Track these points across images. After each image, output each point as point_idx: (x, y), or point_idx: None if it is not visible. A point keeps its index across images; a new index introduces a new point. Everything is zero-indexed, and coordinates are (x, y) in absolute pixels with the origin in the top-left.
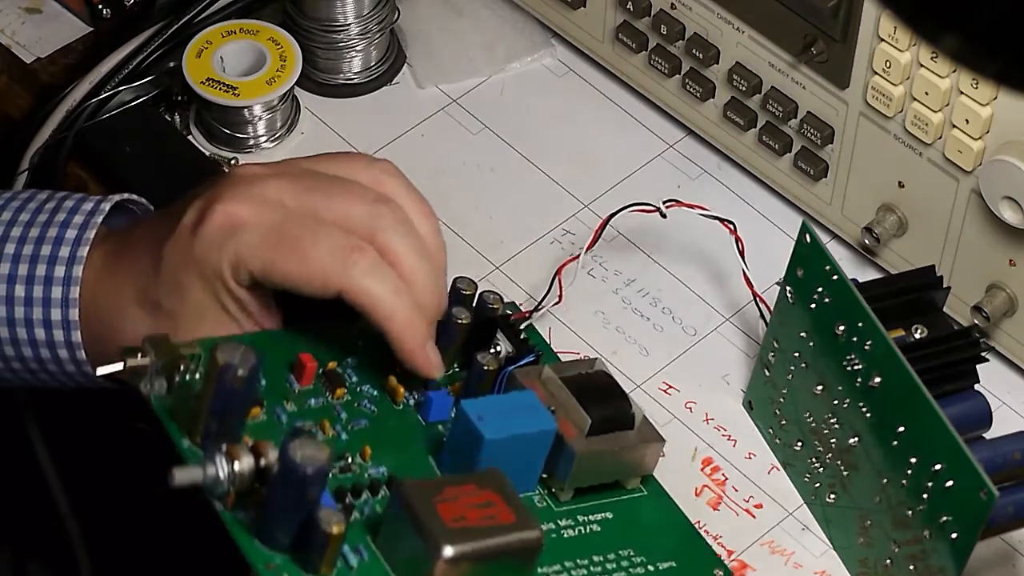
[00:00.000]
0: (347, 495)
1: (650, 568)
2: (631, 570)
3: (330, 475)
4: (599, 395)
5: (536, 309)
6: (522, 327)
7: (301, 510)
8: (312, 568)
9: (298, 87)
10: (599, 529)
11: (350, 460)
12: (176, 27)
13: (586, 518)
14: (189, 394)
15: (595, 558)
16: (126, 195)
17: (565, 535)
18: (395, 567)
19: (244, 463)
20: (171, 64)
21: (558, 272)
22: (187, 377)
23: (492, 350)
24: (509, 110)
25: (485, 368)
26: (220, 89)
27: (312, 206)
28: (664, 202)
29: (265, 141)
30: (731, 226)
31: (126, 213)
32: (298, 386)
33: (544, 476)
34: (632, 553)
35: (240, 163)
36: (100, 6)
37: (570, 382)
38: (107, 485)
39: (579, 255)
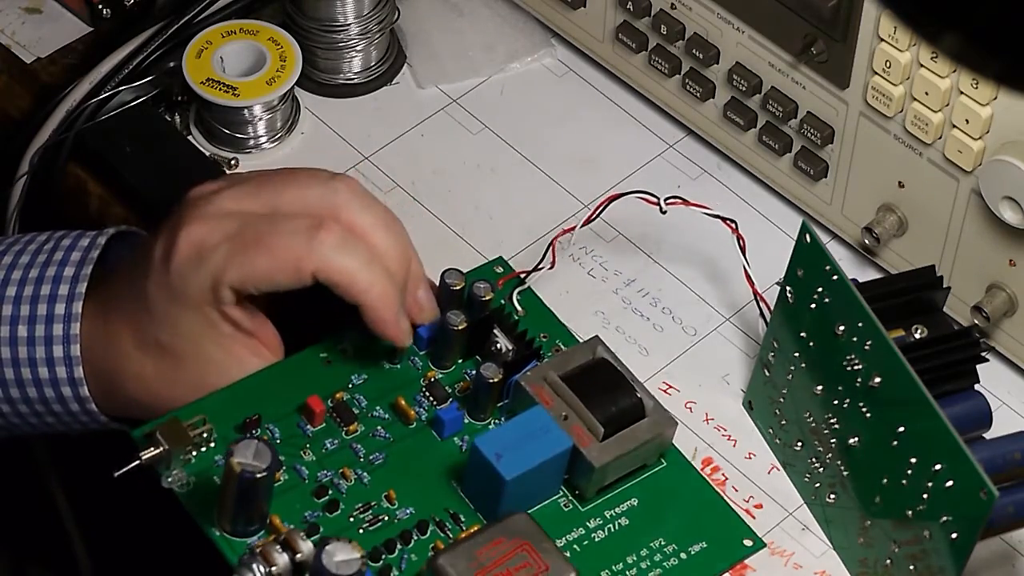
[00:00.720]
0: (382, 554)
1: (683, 556)
2: (665, 563)
3: (362, 530)
4: (606, 391)
5: (529, 273)
6: (518, 292)
7: None
8: None
9: (298, 87)
10: (627, 522)
11: (376, 507)
12: (176, 27)
13: (613, 512)
14: (209, 477)
15: (629, 559)
16: (123, 227)
17: (596, 538)
18: None
19: (280, 562)
20: (171, 64)
21: (553, 241)
22: (205, 448)
23: (493, 348)
24: (509, 110)
25: (491, 381)
26: (220, 89)
27: (269, 203)
28: (666, 199)
29: (265, 141)
30: (733, 225)
31: (124, 243)
32: (311, 428)
33: (567, 477)
34: (663, 543)
35: (239, 163)
36: (100, 6)
37: (574, 381)
38: (107, 485)
39: (575, 226)
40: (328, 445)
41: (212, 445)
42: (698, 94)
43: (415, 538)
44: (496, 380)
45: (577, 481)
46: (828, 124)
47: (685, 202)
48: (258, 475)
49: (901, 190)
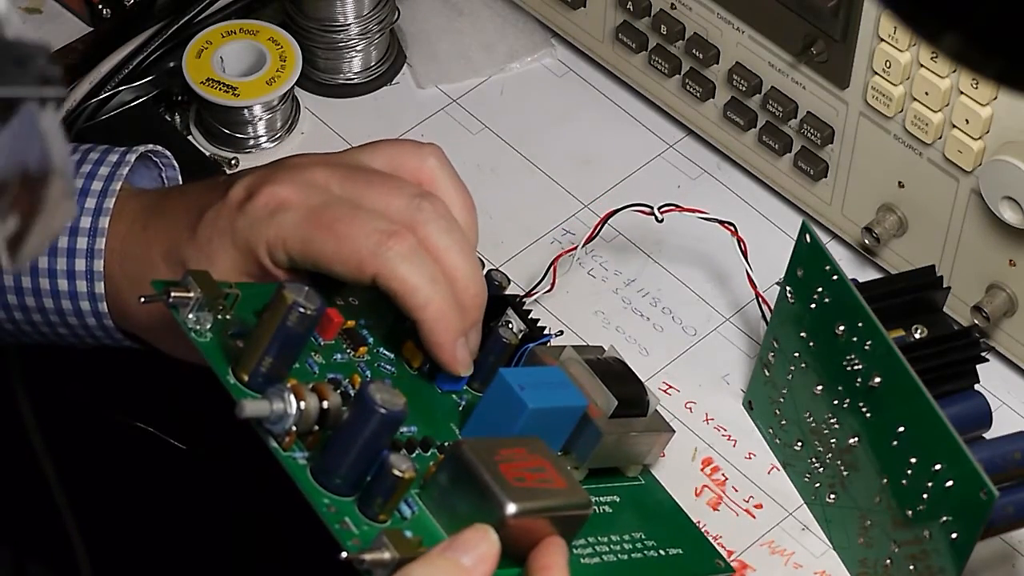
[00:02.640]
0: None
1: (660, 552)
2: (645, 552)
3: None
4: (617, 379)
5: (528, 294)
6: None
7: (371, 453)
8: (372, 513)
9: (298, 87)
10: (611, 511)
11: None
12: (176, 27)
13: (598, 499)
14: (225, 332)
15: (613, 537)
16: (151, 146)
17: None
18: (447, 524)
19: (310, 402)
20: (171, 64)
21: (554, 261)
22: (224, 316)
23: (505, 324)
24: (509, 110)
25: (506, 342)
26: (220, 89)
27: (355, 194)
28: (661, 207)
29: (265, 141)
30: (732, 227)
31: (150, 165)
32: (322, 340)
33: (560, 453)
34: (643, 536)
35: (239, 163)
36: (100, 6)
37: (590, 364)
38: (107, 485)
39: (577, 246)
40: (338, 357)
41: (230, 317)
42: (698, 94)
43: (416, 452)
44: (512, 342)
45: (578, 447)
46: (828, 124)
47: (679, 208)
48: (309, 312)
49: (901, 190)
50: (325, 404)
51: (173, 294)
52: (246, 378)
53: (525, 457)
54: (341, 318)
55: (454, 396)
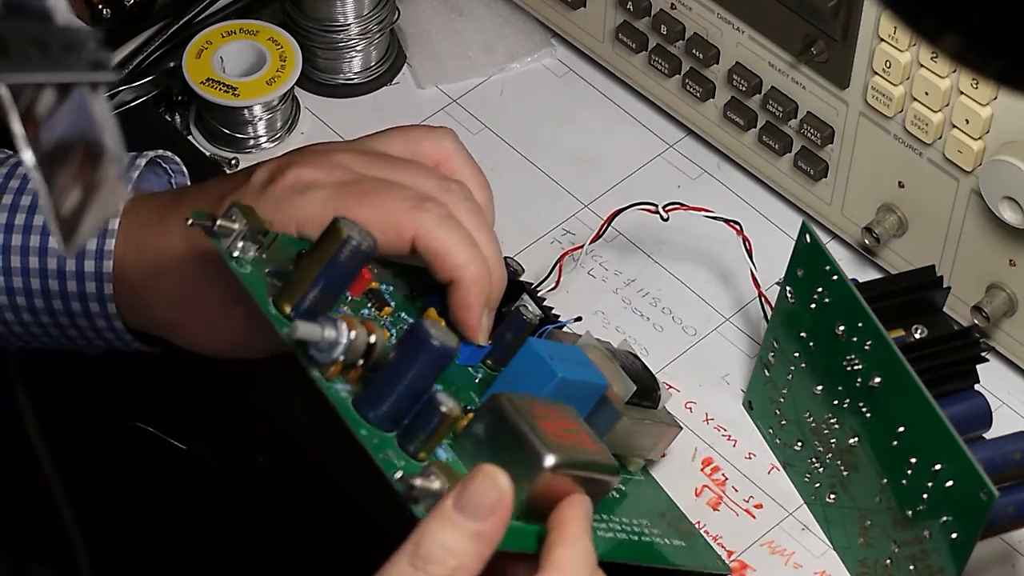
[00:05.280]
0: None
1: (666, 541)
2: (653, 538)
3: None
4: (631, 369)
5: (533, 291)
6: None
7: (419, 388)
8: (412, 450)
9: (298, 87)
10: (618, 496)
11: None
12: (176, 27)
13: None
14: (262, 268)
15: (623, 519)
16: (160, 152)
17: None
18: None
19: (360, 335)
20: (171, 64)
21: (560, 259)
22: (262, 255)
23: (520, 308)
24: (509, 110)
25: (526, 320)
26: (220, 89)
27: (381, 174)
28: (666, 205)
29: (265, 141)
30: (737, 226)
31: (159, 172)
32: (350, 295)
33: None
34: (649, 524)
35: (239, 163)
36: (100, 6)
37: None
38: (107, 485)
39: (582, 245)
40: (364, 312)
41: (266, 256)
42: (698, 94)
43: None
44: (532, 321)
45: (595, 427)
46: (828, 124)
47: (684, 207)
48: (363, 246)
49: (901, 190)
50: (372, 339)
51: (219, 222)
52: (288, 310)
53: (559, 417)
54: (371, 275)
55: (470, 369)
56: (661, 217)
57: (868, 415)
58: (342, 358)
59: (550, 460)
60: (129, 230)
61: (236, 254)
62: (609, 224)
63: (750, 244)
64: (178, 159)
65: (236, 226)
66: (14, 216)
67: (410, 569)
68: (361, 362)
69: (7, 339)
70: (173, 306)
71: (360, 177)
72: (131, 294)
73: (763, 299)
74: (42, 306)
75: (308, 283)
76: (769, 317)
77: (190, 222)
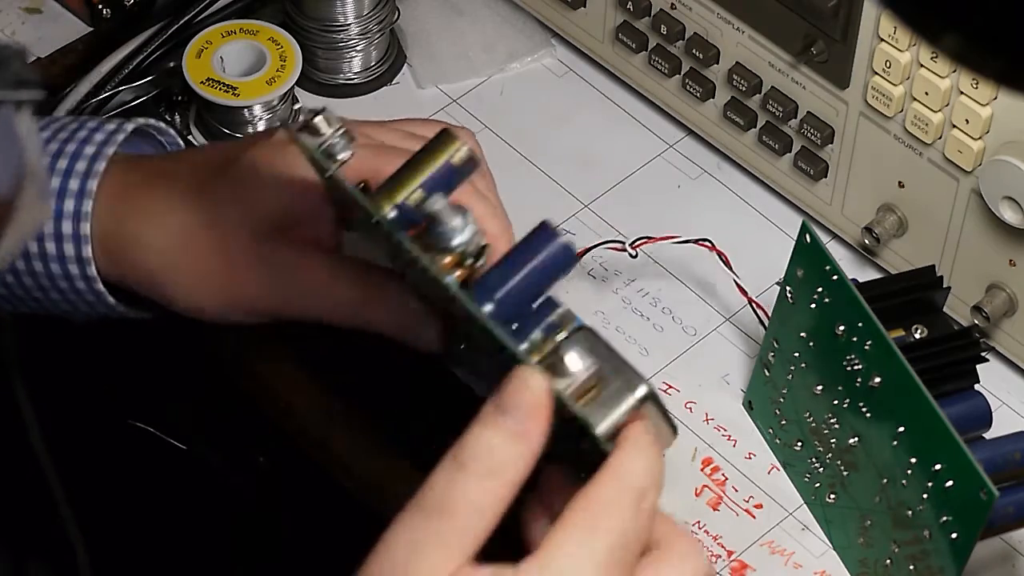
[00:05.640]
0: None
1: None
2: None
3: None
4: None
5: None
6: None
7: (537, 284)
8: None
9: (298, 87)
10: None
11: None
12: (176, 27)
13: None
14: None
15: None
16: (151, 120)
17: None
18: None
19: (479, 232)
20: (171, 64)
21: None
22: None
23: None
24: (509, 110)
25: None
26: (220, 89)
27: (404, 147)
28: (633, 242)
29: None
30: (708, 244)
31: (156, 144)
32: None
33: None
34: None
35: None
36: (100, 6)
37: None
38: (107, 485)
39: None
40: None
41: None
42: (698, 94)
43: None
44: None
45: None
46: (828, 124)
47: (652, 239)
48: (473, 156)
49: (901, 190)
50: (484, 241)
51: (315, 121)
52: (386, 207)
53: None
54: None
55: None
56: (630, 255)
57: (868, 415)
58: (461, 248)
59: (643, 389)
60: (113, 186)
61: (325, 152)
62: (579, 259)
63: (726, 257)
64: (172, 131)
65: (329, 131)
66: None
67: (453, 465)
68: (470, 261)
69: None
70: (166, 258)
71: (387, 145)
72: (117, 245)
73: (753, 305)
74: (23, 267)
75: (415, 184)
76: (764, 322)
77: (295, 132)
